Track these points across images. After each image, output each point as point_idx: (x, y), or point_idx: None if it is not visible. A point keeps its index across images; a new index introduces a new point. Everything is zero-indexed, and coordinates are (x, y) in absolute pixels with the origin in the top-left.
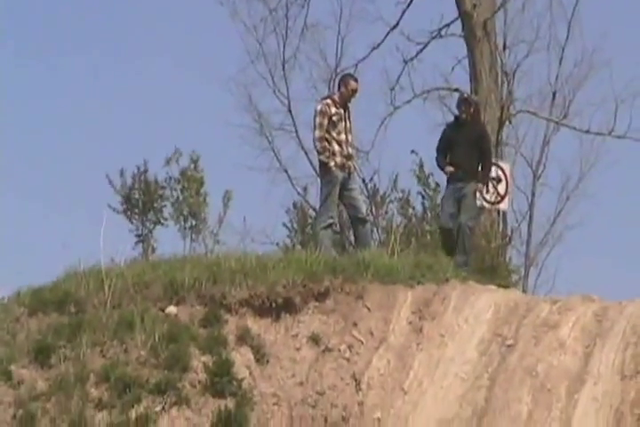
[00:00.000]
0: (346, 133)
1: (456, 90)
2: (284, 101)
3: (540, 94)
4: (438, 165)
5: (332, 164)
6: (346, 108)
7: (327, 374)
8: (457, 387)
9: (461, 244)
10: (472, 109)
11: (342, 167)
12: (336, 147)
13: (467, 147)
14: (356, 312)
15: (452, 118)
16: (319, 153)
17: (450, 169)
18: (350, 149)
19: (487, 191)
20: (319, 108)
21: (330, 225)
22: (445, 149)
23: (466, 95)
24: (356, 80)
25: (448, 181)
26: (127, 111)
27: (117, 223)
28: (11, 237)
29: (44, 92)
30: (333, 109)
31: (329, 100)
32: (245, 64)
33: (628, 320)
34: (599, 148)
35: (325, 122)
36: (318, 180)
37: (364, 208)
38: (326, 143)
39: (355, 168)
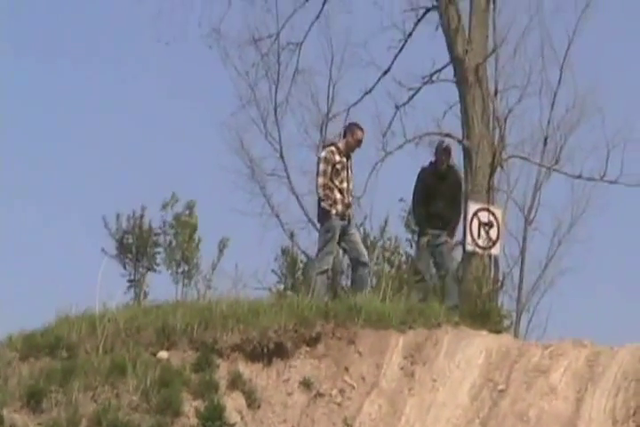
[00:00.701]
0: (347, 182)
1: (447, 135)
2: (275, 146)
3: (531, 139)
4: (417, 219)
5: (333, 212)
6: (348, 157)
7: (319, 420)
8: None
9: (452, 289)
10: (451, 159)
11: (342, 215)
12: (338, 195)
13: (447, 199)
14: (347, 357)
15: (427, 163)
16: (321, 200)
17: (425, 241)
18: (350, 198)
19: (479, 236)
20: (324, 155)
21: (325, 271)
22: (425, 201)
23: (445, 144)
24: (362, 130)
25: (423, 231)
26: (123, 154)
27: (110, 268)
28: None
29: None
30: (337, 157)
31: (333, 148)
32: (237, 108)
33: (619, 365)
34: (591, 193)
35: (329, 169)
36: (309, 225)
37: (365, 252)
38: (329, 191)
39: (353, 215)
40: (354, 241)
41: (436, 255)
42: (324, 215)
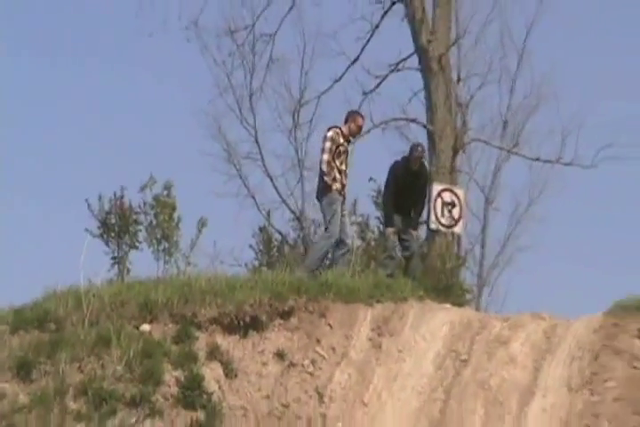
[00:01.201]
0: (345, 165)
1: (413, 120)
2: (251, 131)
3: (492, 124)
4: (386, 210)
5: (334, 187)
6: (349, 142)
7: (292, 388)
8: (414, 400)
9: (415, 266)
10: (423, 158)
11: (339, 194)
12: (337, 174)
13: (417, 194)
14: (318, 329)
15: (400, 157)
16: (324, 175)
17: (390, 231)
18: (346, 180)
19: (443, 215)
20: (330, 134)
21: (334, 239)
22: (396, 194)
23: (419, 151)
24: (362, 117)
25: (390, 222)
26: (106, 137)
27: (94, 246)
28: None
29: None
30: (341, 140)
31: (338, 130)
32: (215, 96)
33: (574, 336)
34: (548, 174)
35: (333, 148)
36: (283, 205)
37: (351, 234)
38: (330, 168)
39: (346, 197)
40: (344, 222)
41: (403, 241)
42: (325, 189)
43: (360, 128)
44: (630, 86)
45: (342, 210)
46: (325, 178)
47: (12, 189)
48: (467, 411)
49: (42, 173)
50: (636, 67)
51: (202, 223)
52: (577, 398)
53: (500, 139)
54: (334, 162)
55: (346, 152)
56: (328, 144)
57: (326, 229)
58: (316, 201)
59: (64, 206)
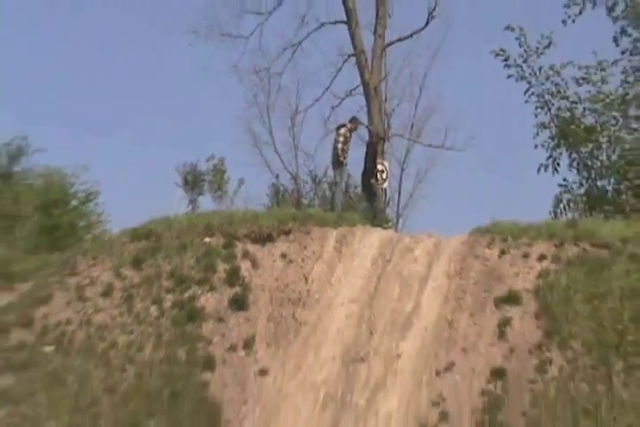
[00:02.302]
0: (348, 148)
1: (361, 123)
2: (267, 128)
3: (404, 125)
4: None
5: (345, 162)
6: (350, 134)
7: (290, 275)
8: (359, 281)
9: (377, 208)
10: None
11: (345, 166)
12: (346, 155)
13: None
14: (305, 241)
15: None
16: (340, 156)
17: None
18: (348, 158)
19: (376, 177)
20: (342, 131)
21: (340, 187)
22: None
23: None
24: (358, 121)
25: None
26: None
27: (179, 194)
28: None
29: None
30: (348, 134)
31: (347, 128)
32: (247, 106)
33: (451, 247)
34: (437, 154)
35: (346, 140)
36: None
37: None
38: (343, 151)
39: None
40: (345, 181)
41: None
42: (339, 163)
43: (357, 127)
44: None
45: (346, 174)
46: (340, 158)
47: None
48: (389, 289)
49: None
50: None
51: (240, 181)
52: (452, 283)
53: (409, 133)
54: (345, 147)
55: (348, 142)
56: (343, 138)
57: (335, 183)
58: (331, 168)
59: (162, 168)
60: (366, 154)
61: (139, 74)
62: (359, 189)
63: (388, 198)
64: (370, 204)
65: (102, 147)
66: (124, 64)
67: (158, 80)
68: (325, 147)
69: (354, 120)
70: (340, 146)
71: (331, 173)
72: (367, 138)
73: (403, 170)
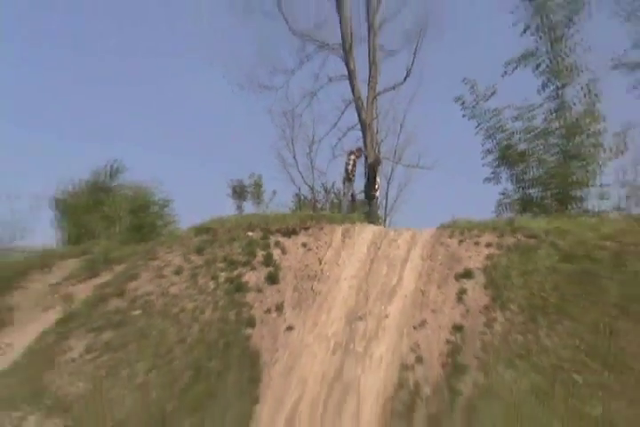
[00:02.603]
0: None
1: (359, 149)
2: (292, 151)
3: (390, 151)
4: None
5: (352, 180)
6: (357, 159)
7: (309, 258)
8: (358, 262)
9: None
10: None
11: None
12: (352, 175)
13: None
14: (320, 234)
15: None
16: (350, 174)
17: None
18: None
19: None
20: (352, 157)
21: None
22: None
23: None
24: (362, 151)
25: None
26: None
27: (229, 201)
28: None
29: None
30: (355, 160)
31: (354, 155)
32: (278, 137)
33: (424, 237)
34: (413, 172)
35: (353, 163)
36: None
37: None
38: (350, 175)
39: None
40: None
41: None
42: (349, 180)
43: (360, 154)
44: None
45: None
46: (350, 176)
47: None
48: (379, 268)
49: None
50: None
51: (273, 192)
52: (425, 263)
53: (393, 157)
54: (353, 168)
55: (356, 164)
56: (351, 162)
57: (344, 194)
58: (342, 182)
59: (217, 182)
60: (367, 173)
61: (208, 114)
62: (360, 196)
63: (378, 202)
64: (370, 207)
65: (174, 164)
66: (200, 106)
67: (220, 119)
68: (333, 166)
69: (359, 150)
70: (349, 168)
71: (339, 185)
72: (365, 161)
73: (389, 183)
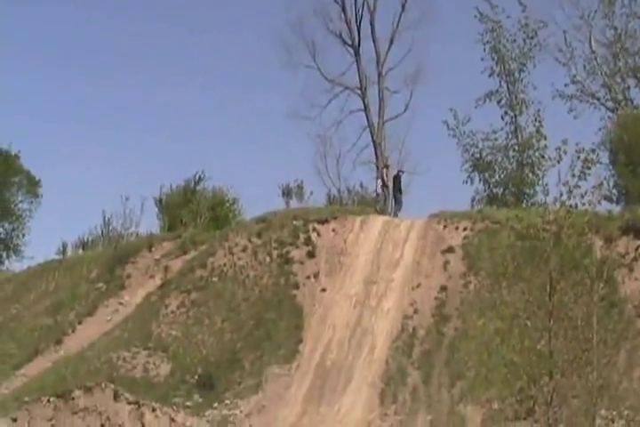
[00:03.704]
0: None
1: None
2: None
3: (394, 163)
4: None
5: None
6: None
7: (336, 239)
8: (372, 242)
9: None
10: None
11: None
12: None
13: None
14: (344, 222)
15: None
16: (384, 184)
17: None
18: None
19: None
20: (384, 171)
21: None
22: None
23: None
24: (388, 168)
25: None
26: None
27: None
28: None
29: None
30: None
31: (385, 171)
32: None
33: (418, 224)
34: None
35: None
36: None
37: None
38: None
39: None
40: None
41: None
42: (385, 186)
43: (388, 168)
44: None
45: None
46: (384, 183)
47: None
48: (386, 246)
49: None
50: None
51: (311, 192)
52: (419, 242)
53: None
54: (386, 178)
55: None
56: (384, 176)
57: (384, 195)
58: (380, 189)
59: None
60: (394, 180)
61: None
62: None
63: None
64: (398, 201)
65: (243, 170)
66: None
67: (273, 139)
68: (353, 174)
69: (387, 167)
70: (384, 177)
71: (358, 186)
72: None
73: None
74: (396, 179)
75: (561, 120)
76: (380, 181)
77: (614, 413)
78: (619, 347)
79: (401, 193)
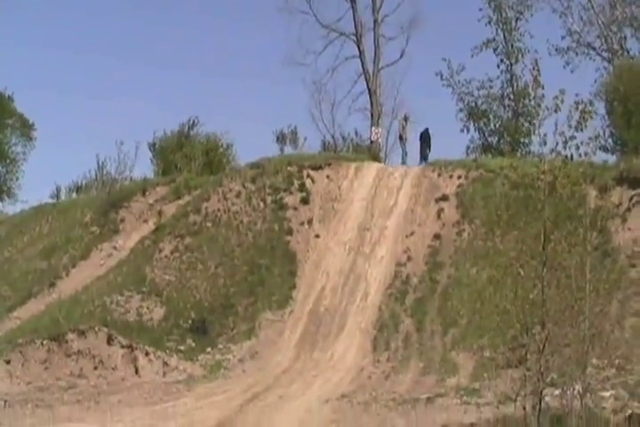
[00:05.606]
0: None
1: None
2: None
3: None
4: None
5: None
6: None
7: (331, 185)
8: (366, 189)
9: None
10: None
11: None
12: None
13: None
14: (339, 168)
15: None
16: (402, 137)
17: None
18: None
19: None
20: (402, 123)
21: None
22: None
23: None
24: (406, 120)
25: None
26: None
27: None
28: None
29: None
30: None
31: (403, 123)
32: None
33: (414, 172)
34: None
35: (403, 128)
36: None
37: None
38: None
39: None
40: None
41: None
42: (401, 138)
43: (407, 122)
44: None
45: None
46: (401, 135)
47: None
48: (381, 193)
49: None
50: None
51: (306, 138)
52: (413, 190)
53: (391, 114)
54: (404, 129)
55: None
56: (401, 127)
57: (404, 144)
58: (399, 140)
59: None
60: (422, 135)
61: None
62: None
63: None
64: (423, 152)
65: (235, 117)
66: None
67: (268, 85)
68: (348, 120)
69: (407, 119)
70: (401, 128)
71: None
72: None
73: (388, 132)
74: (425, 134)
75: (557, 75)
76: (398, 132)
77: (606, 361)
78: (611, 297)
79: (430, 150)
